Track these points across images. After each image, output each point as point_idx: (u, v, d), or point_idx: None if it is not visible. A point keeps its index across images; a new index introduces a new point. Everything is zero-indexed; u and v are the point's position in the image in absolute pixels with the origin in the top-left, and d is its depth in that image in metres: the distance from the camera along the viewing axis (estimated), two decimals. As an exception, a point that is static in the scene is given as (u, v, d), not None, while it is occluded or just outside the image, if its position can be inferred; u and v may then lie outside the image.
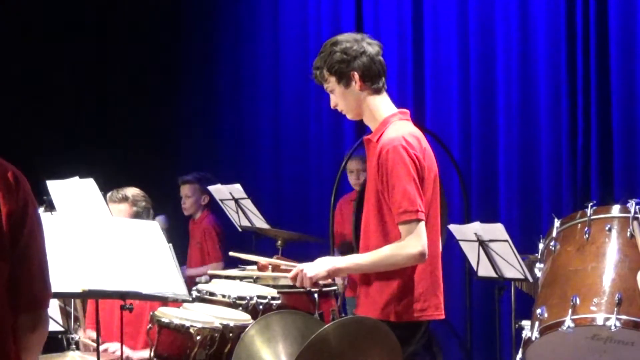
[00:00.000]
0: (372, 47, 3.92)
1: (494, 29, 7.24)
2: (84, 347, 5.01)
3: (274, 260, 4.48)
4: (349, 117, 4.02)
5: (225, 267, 6.73)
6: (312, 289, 4.14)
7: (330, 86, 3.93)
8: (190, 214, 7.79)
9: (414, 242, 3.72)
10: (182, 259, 7.17)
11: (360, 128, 7.67)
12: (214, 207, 7.59)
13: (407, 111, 4.01)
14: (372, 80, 3.90)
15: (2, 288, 2.35)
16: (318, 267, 3.86)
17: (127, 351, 4.77)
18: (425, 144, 3.90)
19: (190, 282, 6.30)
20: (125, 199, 5.34)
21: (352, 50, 3.87)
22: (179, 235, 6.78)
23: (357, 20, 7.96)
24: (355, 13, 8.03)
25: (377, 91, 3.93)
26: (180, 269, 4.22)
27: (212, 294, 4.41)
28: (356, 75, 3.87)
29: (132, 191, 5.39)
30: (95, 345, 4.47)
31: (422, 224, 3.73)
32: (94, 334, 4.98)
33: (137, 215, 5.23)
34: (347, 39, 3.92)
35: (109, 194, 5.36)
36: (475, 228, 5.54)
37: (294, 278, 3.90)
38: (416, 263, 3.77)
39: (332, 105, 4.00)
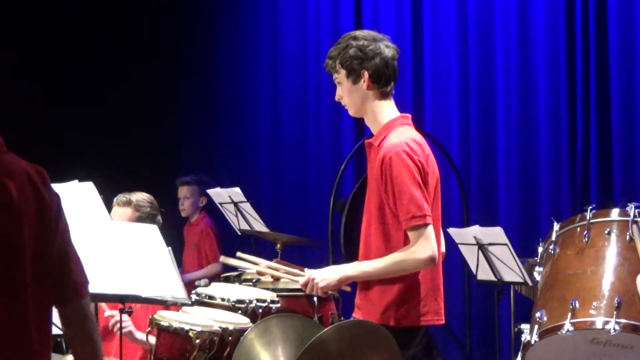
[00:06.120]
0: (389, 50, 3.92)
1: (493, 32, 7.23)
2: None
3: (263, 261, 4.48)
4: (350, 112, 4.01)
5: (223, 270, 6.72)
6: (323, 296, 4.14)
7: (339, 78, 3.92)
8: (187, 216, 7.79)
9: (424, 246, 3.71)
10: (178, 262, 7.15)
11: (359, 131, 7.67)
12: (210, 209, 7.59)
13: (409, 116, 4.01)
14: (381, 83, 3.89)
15: (51, 279, 2.39)
16: (329, 276, 3.84)
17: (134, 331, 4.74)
18: (427, 149, 3.90)
19: (190, 285, 6.27)
20: (128, 203, 5.27)
21: (368, 49, 3.87)
22: (174, 238, 6.76)
23: (356, 23, 7.95)
24: (354, 16, 8.02)
25: (384, 95, 3.93)
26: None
27: (211, 297, 4.40)
28: (366, 75, 3.87)
29: (137, 196, 5.30)
30: None
31: (431, 228, 3.73)
32: None
33: (140, 221, 5.15)
34: (366, 37, 3.91)
35: (116, 197, 5.31)
36: (474, 232, 5.53)
37: (305, 285, 3.89)
38: (427, 267, 3.77)
39: (337, 97, 3.98)
